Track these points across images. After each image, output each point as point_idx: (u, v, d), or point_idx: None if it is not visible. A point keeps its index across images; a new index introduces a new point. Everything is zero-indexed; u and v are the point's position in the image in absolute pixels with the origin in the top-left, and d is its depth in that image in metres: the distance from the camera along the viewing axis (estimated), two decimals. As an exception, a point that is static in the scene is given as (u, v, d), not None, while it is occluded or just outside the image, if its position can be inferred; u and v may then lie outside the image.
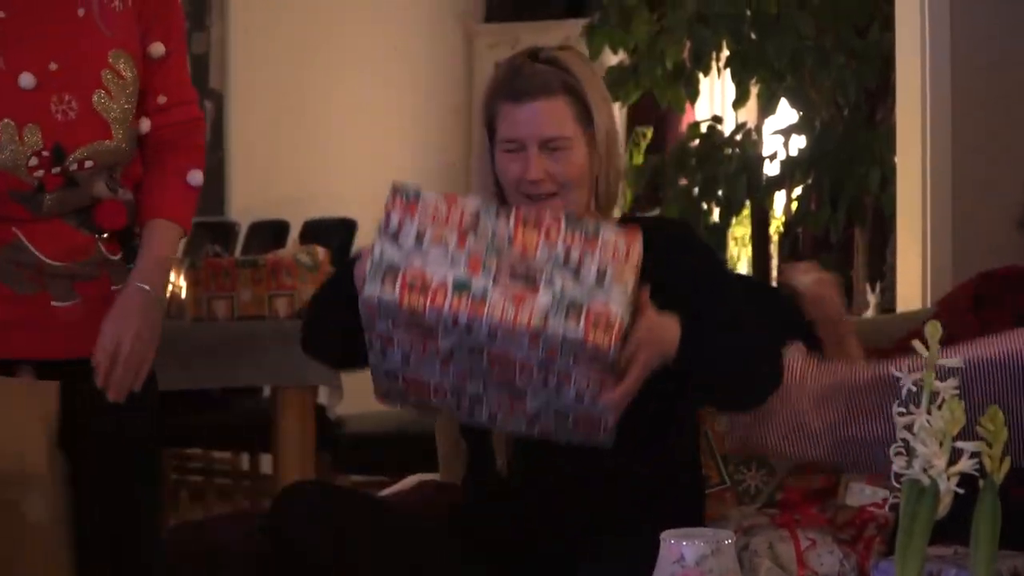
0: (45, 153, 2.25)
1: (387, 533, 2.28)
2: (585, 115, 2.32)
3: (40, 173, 2.26)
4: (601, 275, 2.02)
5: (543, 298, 2.00)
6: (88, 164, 2.29)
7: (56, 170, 2.26)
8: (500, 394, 2.10)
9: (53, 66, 2.27)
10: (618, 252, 2.04)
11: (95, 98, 2.30)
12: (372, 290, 2.02)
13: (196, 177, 2.42)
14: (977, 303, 2.69)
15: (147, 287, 2.33)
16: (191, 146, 2.45)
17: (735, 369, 2.23)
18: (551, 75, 2.32)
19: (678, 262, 2.29)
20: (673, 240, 2.35)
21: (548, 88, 2.30)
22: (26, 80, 2.25)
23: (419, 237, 2.03)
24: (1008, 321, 2.63)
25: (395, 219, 2.05)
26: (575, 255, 2.03)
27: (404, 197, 2.07)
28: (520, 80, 2.32)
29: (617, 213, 2.43)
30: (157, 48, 2.38)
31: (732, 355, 2.22)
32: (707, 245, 2.49)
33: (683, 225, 2.48)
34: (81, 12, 2.31)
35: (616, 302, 2.01)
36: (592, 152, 2.32)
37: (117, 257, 2.38)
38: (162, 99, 2.41)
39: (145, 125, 2.39)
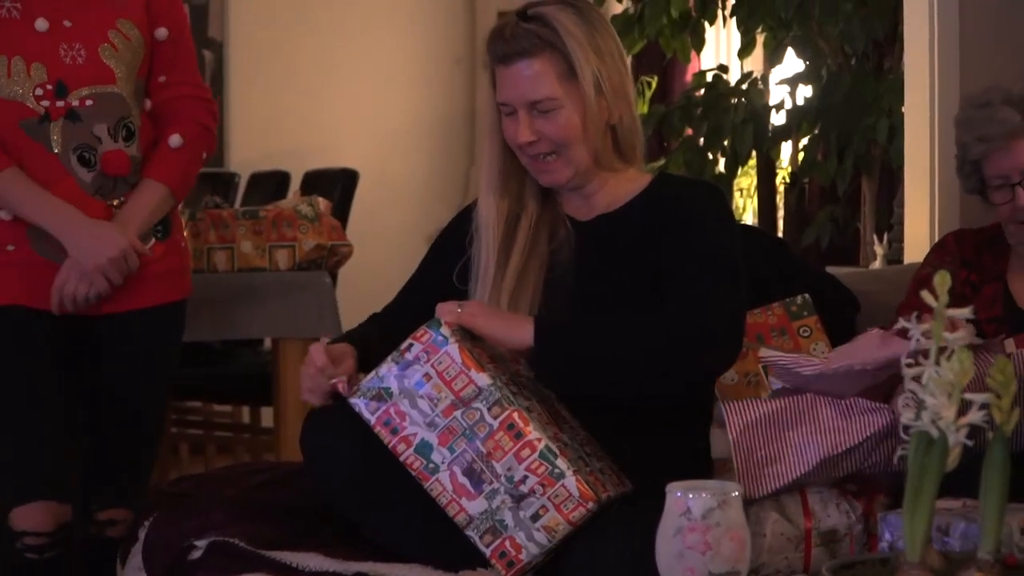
0: (49, 87, 2.68)
1: None
2: (573, 72, 2.30)
3: (46, 103, 2.68)
4: (536, 516, 2.08)
5: (477, 505, 2.10)
6: (88, 103, 2.70)
7: (60, 103, 2.68)
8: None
9: (67, 23, 2.71)
10: (566, 505, 2.08)
11: (101, 49, 2.71)
12: (358, 401, 2.16)
13: (174, 140, 2.79)
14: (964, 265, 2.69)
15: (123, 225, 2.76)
16: (185, 119, 2.82)
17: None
18: (532, 35, 2.31)
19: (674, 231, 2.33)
20: (684, 213, 2.34)
21: (528, 49, 2.31)
22: (41, 24, 2.69)
23: (420, 382, 2.13)
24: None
25: (412, 353, 2.14)
26: (528, 485, 2.09)
27: (434, 337, 2.14)
28: (503, 42, 2.33)
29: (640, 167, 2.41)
30: (161, 32, 2.81)
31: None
32: (718, 223, 2.38)
33: (707, 194, 2.41)
34: None
35: (533, 546, 2.09)
36: (586, 107, 2.29)
37: None
38: (162, 79, 2.83)
39: (147, 104, 2.82)
